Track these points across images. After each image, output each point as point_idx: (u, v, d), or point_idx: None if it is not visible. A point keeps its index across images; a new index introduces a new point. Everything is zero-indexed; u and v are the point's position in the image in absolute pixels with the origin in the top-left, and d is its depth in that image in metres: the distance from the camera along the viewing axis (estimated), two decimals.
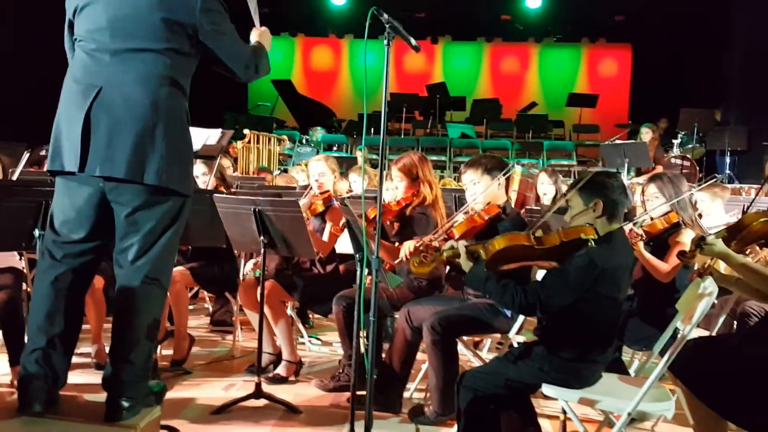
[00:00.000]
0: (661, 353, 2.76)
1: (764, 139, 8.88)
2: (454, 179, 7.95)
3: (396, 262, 3.14)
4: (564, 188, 5.16)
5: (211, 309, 5.02)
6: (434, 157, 10.99)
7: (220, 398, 3.34)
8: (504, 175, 3.19)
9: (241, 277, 4.30)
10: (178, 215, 2.39)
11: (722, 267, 3.39)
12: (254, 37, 2.68)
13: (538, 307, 2.41)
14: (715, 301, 2.54)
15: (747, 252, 2.72)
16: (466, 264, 2.47)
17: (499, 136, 12.10)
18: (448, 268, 3.40)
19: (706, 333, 3.22)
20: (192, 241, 3.87)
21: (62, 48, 2.53)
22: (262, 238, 3.29)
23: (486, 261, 2.46)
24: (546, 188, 4.95)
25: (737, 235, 2.37)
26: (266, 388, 3.37)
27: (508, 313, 3.14)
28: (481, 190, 3.16)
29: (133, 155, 2.25)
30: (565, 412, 2.93)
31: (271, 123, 11.26)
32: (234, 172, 7.21)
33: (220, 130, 3.46)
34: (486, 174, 3.17)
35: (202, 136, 3.24)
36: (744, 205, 4.03)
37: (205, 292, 5.04)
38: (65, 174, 2.34)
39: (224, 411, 3.20)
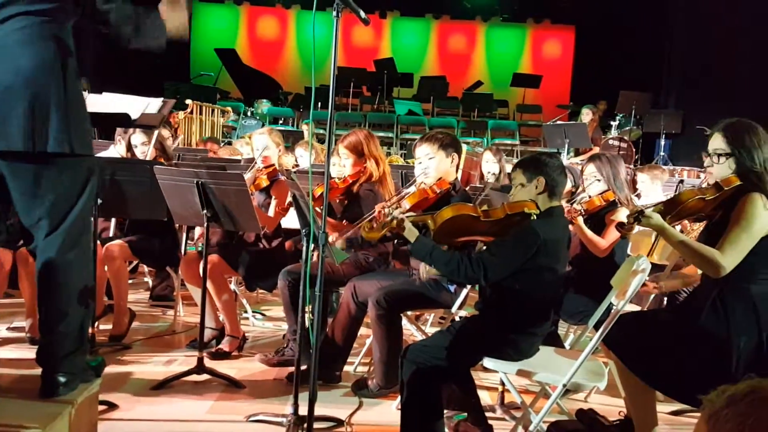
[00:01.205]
0: (596, 327, 2.89)
1: (698, 123, 9.27)
2: (402, 156, 7.99)
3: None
4: (508, 167, 5.28)
5: (151, 283, 4.92)
6: (381, 134, 10.98)
7: (161, 373, 3.30)
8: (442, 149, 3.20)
9: (182, 251, 4.22)
10: (88, 179, 2.27)
11: (652, 237, 3.55)
12: None
13: (482, 275, 2.47)
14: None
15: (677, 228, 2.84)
16: (411, 234, 2.52)
17: (445, 114, 12.20)
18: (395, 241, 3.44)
19: (638, 308, 3.37)
20: (131, 213, 3.77)
21: None
22: (205, 211, 3.24)
23: (434, 231, 2.53)
24: (490, 167, 5.04)
25: (673, 210, 2.47)
26: (209, 363, 3.34)
27: (452, 288, 3.20)
28: (435, 165, 3.19)
29: (28, 124, 2.09)
30: (503, 384, 3.04)
31: (215, 93, 10.99)
32: (174, 142, 7.02)
33: (161, 98, 3.34)
34: (441, 150, 3.20)
35: (141, 105, 3.12)
36: (677, 184, 4.23)
37: (145, 266, 4.94)
38: None
39: (165, 386, 3.16)
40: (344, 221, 3.50)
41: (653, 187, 4.33)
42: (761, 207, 2.30)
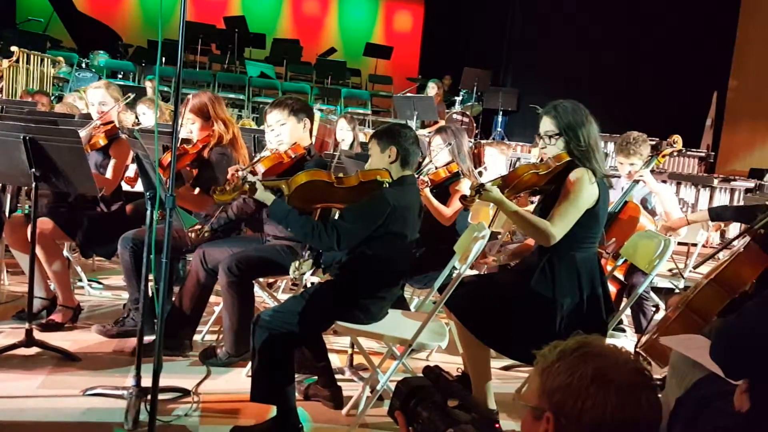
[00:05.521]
0: (440, 290, 3.06)
1: (532, 102, 10.01)
2: (254, 120, 7.77)
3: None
4: (361, 135, 5.36)
5: None
6: (232, 95, 10.59)
7: None
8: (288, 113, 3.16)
9: (7, 214, 3.82)
10: None
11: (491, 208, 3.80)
12: None
13: (335, 240, 2.52)
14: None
15: (513, 201, 3.06)
16: (267, 197, 2.50)
17: (298, 79, 12.01)
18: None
19: (475, 272, 3.61)
20: None
21: None
22: (33, 170, 2.94)
23: (288, 195, 2.54)
24: (345, 134, 5.08)
25: (510, 183, 2.65)
26: (39, 335, 3.09)
27: (305, 254, 3.21)
28: (288, 131, 3.15)
29: None
30: (353, 346, 3.13)
31: (45, 41, 9.91)
32: None
33: None
34: (292, 115, 3.15)
35: None
36: (511, 160, 4.54)
37: None
38: None
39: None
40: (197, 190, 3.36)
41: (499, 161, 4.61)
42: (587, 182, 2.54)
